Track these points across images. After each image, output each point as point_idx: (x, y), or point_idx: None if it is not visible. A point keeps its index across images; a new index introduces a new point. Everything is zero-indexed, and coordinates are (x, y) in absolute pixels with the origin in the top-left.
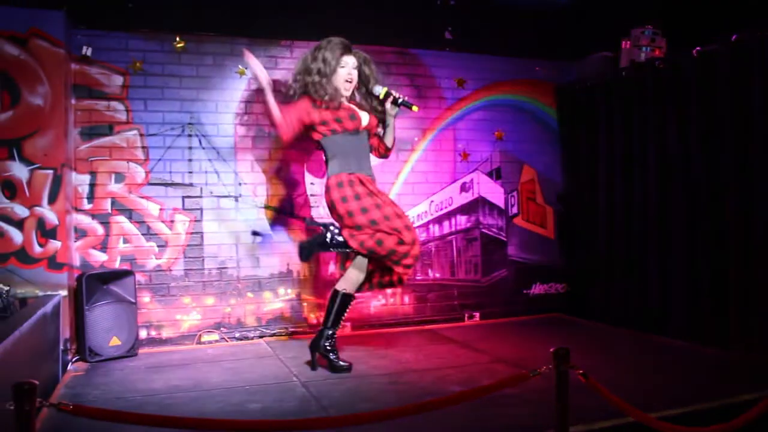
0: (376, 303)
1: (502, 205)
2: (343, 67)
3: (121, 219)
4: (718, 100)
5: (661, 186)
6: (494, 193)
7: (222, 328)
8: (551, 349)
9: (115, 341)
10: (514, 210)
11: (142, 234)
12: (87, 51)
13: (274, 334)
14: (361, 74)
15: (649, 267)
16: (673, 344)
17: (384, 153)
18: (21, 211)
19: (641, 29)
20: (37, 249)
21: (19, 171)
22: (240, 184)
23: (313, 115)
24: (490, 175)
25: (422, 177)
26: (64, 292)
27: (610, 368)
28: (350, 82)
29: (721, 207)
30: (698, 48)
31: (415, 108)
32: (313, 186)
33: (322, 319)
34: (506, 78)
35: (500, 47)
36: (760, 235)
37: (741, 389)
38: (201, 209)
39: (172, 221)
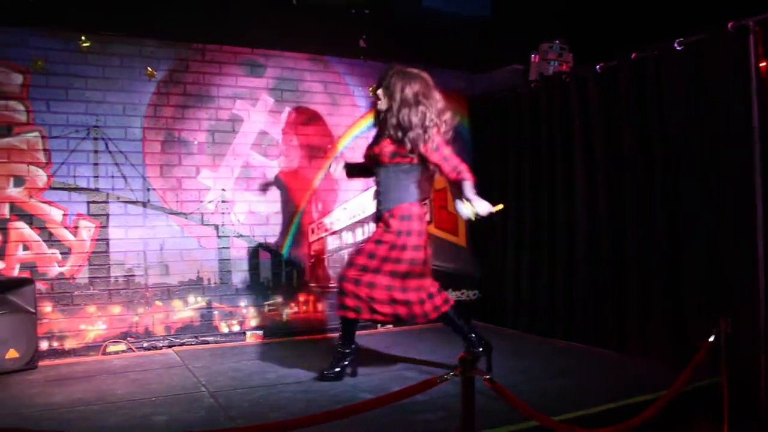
0: (289, 311)
1: None
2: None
3: (21, 225)
4: (619, 113)
5: (566, 196)
6: None
7: (129, 338)
8: (459, 356)
9: (12, 353)
10: (427, 218)
11: (44, 240)
12: None
13: (183, 344)
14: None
15: (556, 275)
16: (577, 349)
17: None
18: None
19: (549, 44)
20: None
21: None
22: (148, 189)
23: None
24: None
25: (335, 184)
26: None
27: (517, 373)
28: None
29: (621, 218)
30: (601, 63)
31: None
32: (224, 192)
33: (233, 328)
34: None
35: (414, 57)
36: (656, 246)
37: (638, 391)
38: (107, 215)
39: (76, 227)
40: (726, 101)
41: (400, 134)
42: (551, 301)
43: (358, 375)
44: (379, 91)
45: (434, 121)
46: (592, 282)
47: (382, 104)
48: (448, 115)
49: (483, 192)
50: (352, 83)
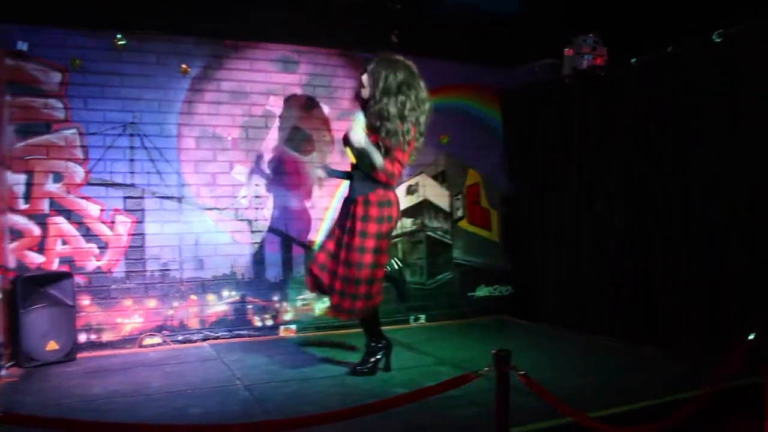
0: (321, 305)
1: (447, 208)
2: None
3: (60, 220)
4: (656, 106)
5: (600, 191)
6: (439, 196)
7: (164, 331)
8: (493, 351)
9: (52, 345)
10: (459, 213)
11: (82, 235)
12: (23, 46)
13: (218, 337)
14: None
15: (589, 270)
16: (611, 345)
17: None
18: None
19: (583, 37)
20: None
21: None
22: (183, 185)
23: None
24: (435, 178)
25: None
26: None
27: (551, 369)
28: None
29: (656, 214)
30: (637, 57)
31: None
32: (258, 187)
33: (267, 322)
34: (452, 82)
35: (446, 52)
36: (693, 242)
37: (674, 389)
38: (143, 210)
39: (113, 222)
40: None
41: (378, 123)
42: (584, 297)
43: (392, 369)
44: (364, 78)
45: (414, 113)
46: (627, 277)
47: (366, 92)
48: (428, 105)
49: (516, 185)
50: None
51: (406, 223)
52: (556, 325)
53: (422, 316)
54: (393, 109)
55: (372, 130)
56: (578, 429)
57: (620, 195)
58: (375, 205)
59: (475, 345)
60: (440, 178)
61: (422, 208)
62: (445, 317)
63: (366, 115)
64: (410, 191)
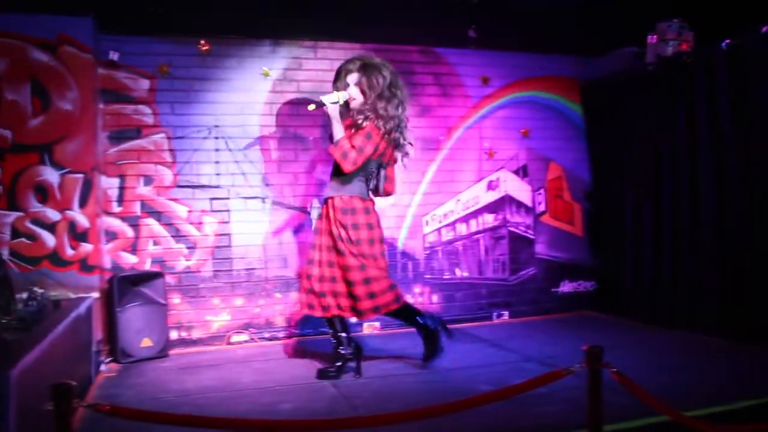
0: None
1: (529, 202)
2: (347, 86)
3: (150, 221)
4: (751, 93)
5: (691, 183)
6: (521, 190)
7: (251, 329)
8: (584, 347)
9: (146, 342)
10: (542, 208)
11: (171, 236)
12: (114, 56)
13: (302, 335)
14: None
15: (680, 265)
16: (704, 341)
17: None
18: (53, 214)
19: (668, 23)
20: (69, 252)
21: (50, 175)
22: (267, 185)
23: None
24: (516, 172)
25: (448, 176)
26: (95, 294)
27: (642, 366)
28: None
29: (752, 207)
30: (727, 41)
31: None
32: None
33: (350, 319)
34: (531, 75)
35: (524, 44)
36: None
37: None
38: (228, 211)
39: (200, 223)
40: None
41: (364, 122)
42: (674, 292)
43: (477, 366)
44: (352, 88)
45: (402, 113)
46: (720, 273)
47: (356, 98)
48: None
49: (600, 178)
50: (463, 74)
51: (488, 219)
52: (643, 321)
53: (505, 313)
54: (392, 110)
55: (353, 126)
56: (674, 428)
57: (715, 188)
58: (339, 210)
59: (560, 341)
60: (521, 172)
61: (503, 204)
62: (528, 313)
63: (348, 113)
64: (491, 187)
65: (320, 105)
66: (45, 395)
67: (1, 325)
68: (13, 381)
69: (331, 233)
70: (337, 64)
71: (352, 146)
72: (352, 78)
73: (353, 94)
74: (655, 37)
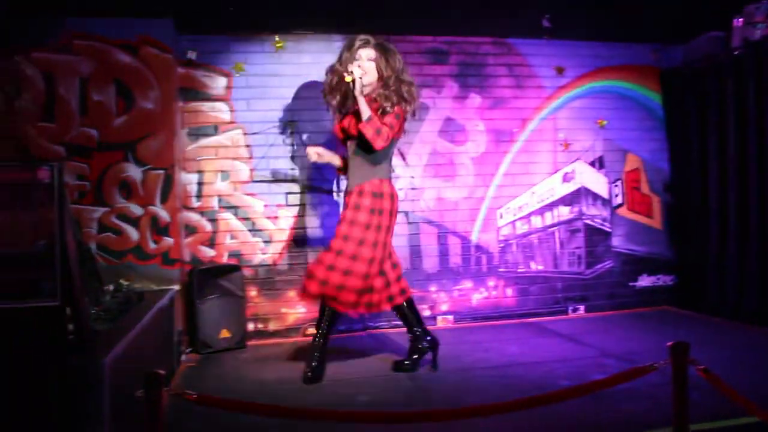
0: (478, 296)
1: (605, 195)
2: (357, 59)
3: (228, 216)
4: None
5: None
6: (597, 182)
7: None
8: (669, 343)
9: (224, 333)
10: (619, 200)
11: (248, 230)
12: (192, 55)
13: (377, 327)
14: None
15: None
16: None
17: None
18: (136, 210)
19: (755, 5)
20: (152, 246)
21: (133, 172)
22: (341, 179)
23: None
24: (592, 164)
25: (523, 168)
26: (176, 287)
27: (726, 363)
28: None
29: None
30: None
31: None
32: (413, 179)
33: (424, 312)
34: (607, 64)
35: (601, 32)
36: None
37: None
38: (304, 205)
39: (276, 217)
40: None
41: (394, 100)
42: (762, 288)
43: (555, 361)
44: (366, 63)
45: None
46: None
47: (369, 77)
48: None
49: (680, 169)
50: (537, 64)
51: (563, 212)
52: (727, 317)
53: (581, 307)
54: (414, 93)
55: (380, 109)
56: (765, 430)
57: None
58: (369, 195)
59: (639, 337)
60: (597, 163)
61: (579, 196)
62: (604, 308)
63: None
64: (566, 178)
65: (352, 79)
66: (134, 383)
67: (91, 315)
68: (107, 368)
69: (368, 225)
70: (410, 58)
71: (383, 123)
72: (367, 53)
73: (367, 68)
74: (741, 20)
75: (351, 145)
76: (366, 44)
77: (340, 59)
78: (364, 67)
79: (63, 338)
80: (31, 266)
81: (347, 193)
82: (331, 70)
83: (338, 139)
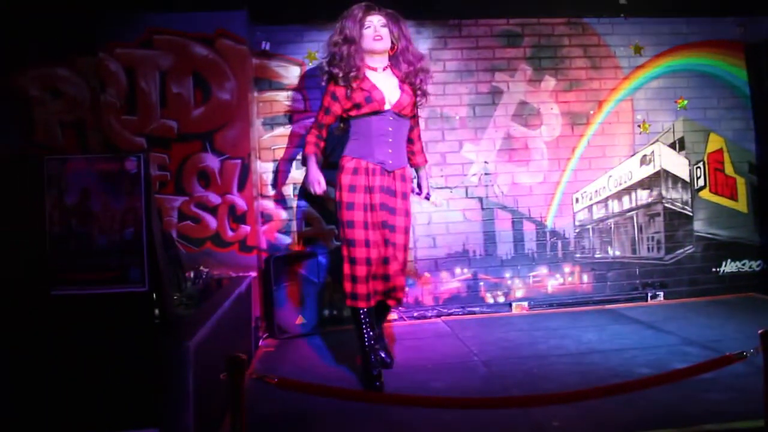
0: (554, 282)
1: (686, 177)
2: (368, 27)
3: (302, 204)
4: None
5: None
6: (677, 164)
7: (400, 308)
8: (760, 331)
9: (300, 319)
10: (701, 182)
11: (323, 217)
12: (266, 46)
13: (450, 314)
14: (391, 34)
15: None
16: None
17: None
18: (214, 198)
19: None
20: (230, 233)
21: (211, 162)
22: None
23: (336, 105)
24: (672, 146)
25: (599, 151)
26: (254, 273)
27: None
28: (380, 39)
29: None
30: None
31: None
32: (487, 165)
33: (499, 299)
34: (687, 41)
35: (680, 7)
36: None
37: None
38: None
39: None
40: None
41: (417, 80)
42: None
43: (634, 348)
44: (381, 30)
45: None
46: None
47: (385, 44)
48: None
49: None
50: (614, 44)
51: (642, 195)
52: None
53: (660, 293)
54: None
55: (414, 90)
56: None
57: None
58: (409, 180)
59: (723, 324)
60: (678, 145)
61: (659, 179)
62: (685, 294)
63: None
64: (645, 161)
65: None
66: (215, 366)
67: (174, 301)
68: (191, 351)
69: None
70: (483, 42)
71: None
72: (378, 20)
73: (384, 35)
74: None
75: (383, 119)
76: (372, 9)
77: (342, 31)
78: (382, 34)
79: (150, 322)
80: (121, 253)
81: (387, 171)
82: (334, 44)
83: (342, 110)
